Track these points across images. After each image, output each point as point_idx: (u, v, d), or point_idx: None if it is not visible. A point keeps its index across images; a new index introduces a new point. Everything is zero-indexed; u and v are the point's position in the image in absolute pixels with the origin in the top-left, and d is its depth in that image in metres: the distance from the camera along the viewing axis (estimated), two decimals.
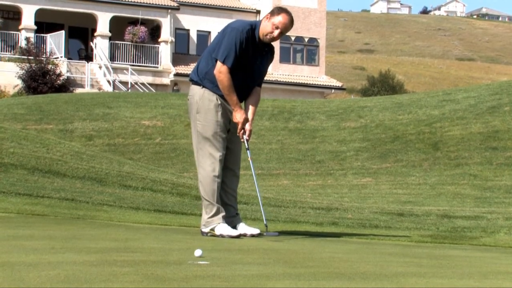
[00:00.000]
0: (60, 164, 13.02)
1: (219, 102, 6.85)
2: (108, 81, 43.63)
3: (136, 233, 6.82)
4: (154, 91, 43.20)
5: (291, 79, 49.20)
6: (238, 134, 6.90)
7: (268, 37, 6.81)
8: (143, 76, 45.91)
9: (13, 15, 45.14)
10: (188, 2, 48.90)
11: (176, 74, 47.14)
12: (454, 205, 15.08)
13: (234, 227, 6.97)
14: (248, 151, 7.01)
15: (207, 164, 6.82)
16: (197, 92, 6.91)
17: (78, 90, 40.19)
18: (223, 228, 6.82)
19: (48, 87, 38.19)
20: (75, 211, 8.58)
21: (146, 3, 47.17)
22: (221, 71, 6.74)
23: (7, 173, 11.29)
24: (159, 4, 47.51)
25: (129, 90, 42.67)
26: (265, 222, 7.18)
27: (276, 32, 6.75)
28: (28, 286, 3.87)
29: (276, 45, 48.45)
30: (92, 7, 45.88)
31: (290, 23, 6.87)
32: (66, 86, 39.76)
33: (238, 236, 6.82)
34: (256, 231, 6.96)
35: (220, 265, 4.94)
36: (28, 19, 44.67)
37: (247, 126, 6.93)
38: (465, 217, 11.18)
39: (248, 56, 6.84)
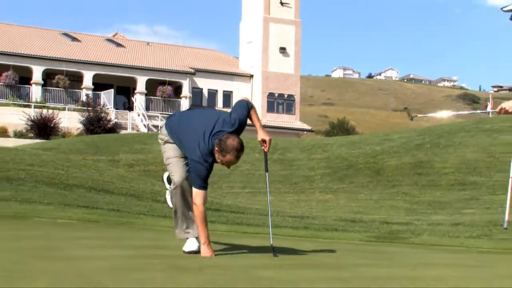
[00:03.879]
0: (109, 184, 12.97)
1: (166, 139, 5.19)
2: (144, 125, 43.65)
3: (164, 235, 6.78)
4: None
5: (275, 124, 49.23)
6: None
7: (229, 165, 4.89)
8: None
9: (77, 78, 45.24)
10: (201, 69, 49.15)
11: None
12: (391, 215, 15.04)
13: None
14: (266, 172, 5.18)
15: None
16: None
17: (123, 132, 40.13)
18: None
19: (101, 129, 38.12)
20: (120, 218, 8.52)
21: (172, 69, 47.48)
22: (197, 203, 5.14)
23: (71, 191, 11.23)
24: (181, 70, 47.79)
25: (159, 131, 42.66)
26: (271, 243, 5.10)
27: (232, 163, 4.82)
28: (84, 273, 3.84)
29: (264, 99, 48.79)
30: (133, 72, 46.12)
31: (236, 158, 4.80)
32: (114, 128, 39.69)
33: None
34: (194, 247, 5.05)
35: (221, 258, 4.88)
36: (87, 81, 44.80)
37: (265, 137, 4.93)
38: (399, 223, 11.14)
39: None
